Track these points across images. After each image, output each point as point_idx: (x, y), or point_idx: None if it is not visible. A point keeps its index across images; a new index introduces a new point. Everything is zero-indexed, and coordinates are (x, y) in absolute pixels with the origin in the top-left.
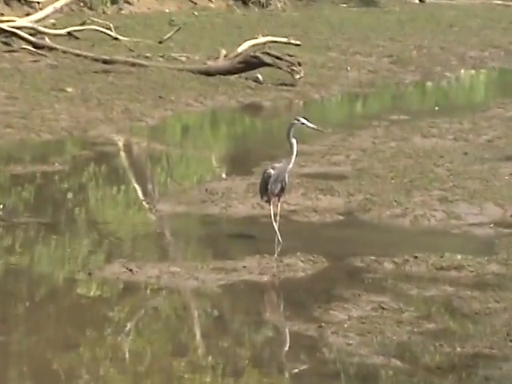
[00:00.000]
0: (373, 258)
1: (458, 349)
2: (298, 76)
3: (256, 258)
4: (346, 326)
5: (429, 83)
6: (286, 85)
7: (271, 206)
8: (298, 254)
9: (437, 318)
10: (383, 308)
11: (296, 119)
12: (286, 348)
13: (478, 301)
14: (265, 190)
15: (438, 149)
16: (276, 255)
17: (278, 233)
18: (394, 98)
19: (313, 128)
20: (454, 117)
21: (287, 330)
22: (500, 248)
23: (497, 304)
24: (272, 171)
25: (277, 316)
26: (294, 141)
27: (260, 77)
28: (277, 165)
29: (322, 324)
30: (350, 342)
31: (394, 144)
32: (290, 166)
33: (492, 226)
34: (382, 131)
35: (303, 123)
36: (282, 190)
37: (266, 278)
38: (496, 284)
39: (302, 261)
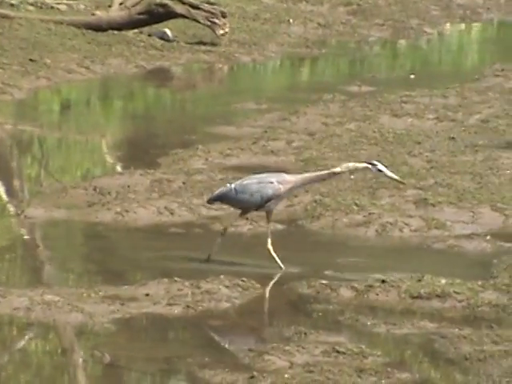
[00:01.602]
0: (324, 282)
1: None
2: (221, 31)
3: (163, 283)
4: (287, 376)
5: (401, 42)
6: (204, 43)
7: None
8: (222, 276)
9: (412, 365)
10: (338, 351)
11: (370, 163)
12: None
13: (468, 342)
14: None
15: (415, 132)
16: (192, 279)
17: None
18: (354, 63)
19: (392, 178)
20: (436, 88)
21: (206, 383)
22: (499, 269)
23: (495, 346)
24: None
25: (192, 363)
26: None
27: (169, 33)
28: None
29: (255, 373)
30: None
31: (354, 125)
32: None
33: (488, 238)
34: (337, 108)
35: (380, 170)
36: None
37: (176, 311)
38: (494, 319)
39: (226, 286)
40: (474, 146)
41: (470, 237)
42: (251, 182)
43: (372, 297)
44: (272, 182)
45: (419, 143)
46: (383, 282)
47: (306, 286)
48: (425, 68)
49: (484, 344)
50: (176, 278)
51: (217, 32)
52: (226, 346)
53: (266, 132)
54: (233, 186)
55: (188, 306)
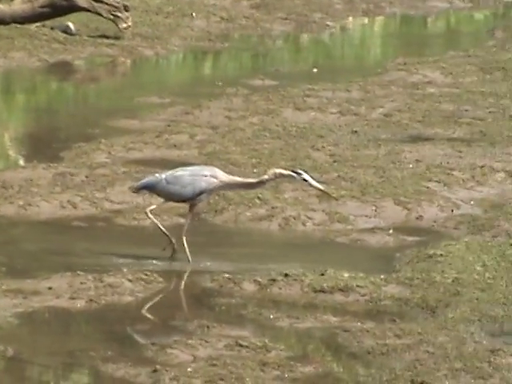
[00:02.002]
0: (227, 276)
1: None
2: (124, 25)
3: (66, 277)
4: (190, 369)
5: (304, 35)
6: (107, 37)
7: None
8: (125, 270)
9: (315, 359)
10: (241, 345)
11: (295, 172)
12: None
13: (371, 335)
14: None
15: (317, 126)
16: (95, 273)
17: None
18: (257, 57)
19: (318, 188)
20: (339, 82)
21: (109, 377)
22: (402, 263)
23: (397, 340)
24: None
25: (94, 356)
26: (268, 178)
27: (72, 26)
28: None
29: (157, 367)
30: None
31: (257, 119)
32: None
33: (391, 232)
34: (240, 102)
35: (305, 179)
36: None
37: (79, 304)
38: (396, 312)
39: (129, 280)
40: (377, 139)
41: (372, 231)
42: (183, 173)
43: (275, 291)
44: (206, 176)
45: (322, 137)
46: (286, 275)
47: (209, 279)
48: (328, 62)
49: (387, 338)
50: (79, 272)
51: (120, 26)
52: (129, 339)
53: (169, 126)
54: (163, 176)
55: (91, 300)
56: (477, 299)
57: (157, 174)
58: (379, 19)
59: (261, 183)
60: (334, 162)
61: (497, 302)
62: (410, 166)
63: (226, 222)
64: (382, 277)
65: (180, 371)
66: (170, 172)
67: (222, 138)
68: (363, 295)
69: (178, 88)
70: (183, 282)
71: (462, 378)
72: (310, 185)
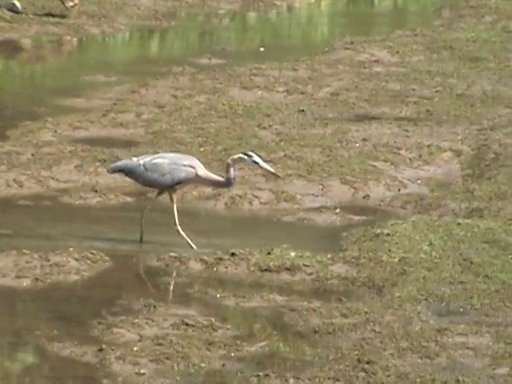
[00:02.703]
0: (173, 255)
1: (291, 381)
2: (70, 3)
3: (12, 256)
4: (136, 348)
5: (251, 14)
6: (53, 16)
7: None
8: (71, 249)
9: (261, 338)
10: (187, 324)
11: (246, 154)
12: (53, 380)
13: (317, 315)
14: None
15: (264, 105)
16: (41, 251)
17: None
18: (204, 35)
19: (267, 170)
20: (286, 61)
21: (55, 355)
22: (348, 242)
23: (344, 319)
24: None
25: (40, 335)
26: (232, 174)
27: (18, 4)
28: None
29: (103, 346)
30: (142, 370)
31: (203, 98)
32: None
33: (338, 211)
34: (187, 80)
35: (256, 162)
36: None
37: (25, 283)
38: (343, 292)
39: (75, 259)
40: (324, 118)
41: (319, 210)
42: (163, 161)
43: (221, 270)
44: (185, 165)
45: (269, 116)
46: (232, 254)
47: (155, 258)
48: (275, 41)
49: (333, 317)
50: (24, 251)
51: (66, 4)
52: (75, 318)
53: (115, 104)
54: (141, 162)
55: (37, 279)
56: (423, 278)
57: (134, 158)
58: None
59: (228, 181)
60: (281, 140)
61: (443, 281)
62: (357, 145)
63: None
64: (329, 256)
65: (126, 350)
66: (148, 158)
67: (169, 117)
68: (310, 274)
69: (125, 67)
70: (129, 261)
71: (408, 357)
72: (260, 167)
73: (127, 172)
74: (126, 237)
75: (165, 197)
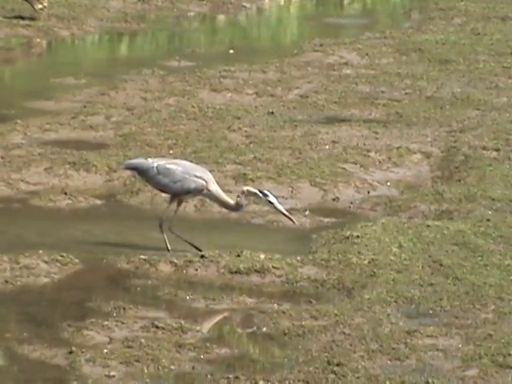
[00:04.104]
0: (143, 257)
1: (261, 383)
2: (39, 6)
3: None
4: (105, 351)
5: (221, 17)
6: (23, 18)
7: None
8: (41, 252)
9: (231, 340)
10: (157, 327)
11: (262, 192)
12: (23, 383)
13: (287, 317)
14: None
15: (234, 107)
16: (11, 254)
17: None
18: (173, 38)
19: (282, 213)
20: (256, 63)
21: (24, 358)
22: (318, 244)
23: (314, 321)
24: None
25: (10, 338)
26: (244, 202)
27: None
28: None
29: (73, 348)
30: (112, 373)
31: (173, 100)
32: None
33: (307, 213)
34: (156, 83)
35: (271, 202)
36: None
37: None
38: (313, 294)
39: (45, 261)
40: (293, 121)
41: (288, 212)
42: (176, 168)
43: (191, 272)
44: (197, 176)
45: (238, 118)
46: (202, 257)
47: (125, 261)
48: (244, 43)
49: (303, 319)
50: None
51: (35, 6)
52: (45, 321)
53: (85, 107)
54: (155, 164)
55: (6, 281)
56: (393, 280)
57: (149, 159)
58: (295, 0)
59: (238, 206)
60: (250, 143)
61: (413, 283)
62: (327, 147)
63: (142, 204)
64: (299, 258)
65: (96, 352)
66: (163, 161)
67: (138, 119)
68: (279, 276)
69: (94, 69)
70: (99, 264)
71: (378, 359)
72: (275, 208)
73: (140, 171)
74: (95, 239)
75: (130, 200)
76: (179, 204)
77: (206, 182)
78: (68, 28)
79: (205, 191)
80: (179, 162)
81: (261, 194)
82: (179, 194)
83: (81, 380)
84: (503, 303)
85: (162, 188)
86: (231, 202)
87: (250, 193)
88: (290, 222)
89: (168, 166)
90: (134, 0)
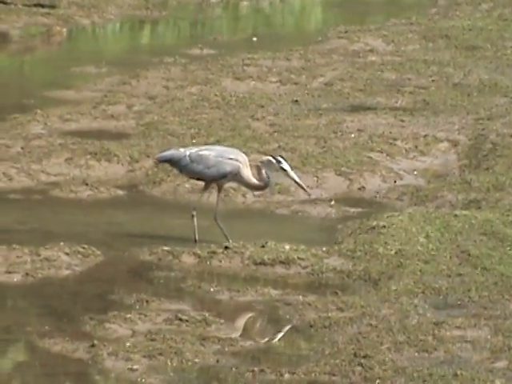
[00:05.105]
0: (166, 248)
1: (286, 376)
2: None
3: (2, 251)
4: (128, 344)
5: (244, 3)
6: (42, 6)
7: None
8: (62, 243)
9: (256, 332)
10: (181, 319)
11: (275, 158)
12: (45, 377)
13: (313, 309)
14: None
15: (257, 95)
16: (32, 246)
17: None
18: (195, 25)
19: (295, 181)
20: (279, 51)
21: (46, 352)
22: (344, 234)
23: (340, 313)
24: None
25: (31, 331)
26: (265, 175)
27: None
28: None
29: (95, 342)
30: (135, 366)
31: (196, 89)
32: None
33: (333, 203)
34: (178, 71)
35: (284, 169)
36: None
37: (16, 279)
38: (338, 285)
39: (66, 253)
40: (318, 109)
41: (314, 202)
42: (209, 153)
43: (215, 263)
44: (231, 159)
45: (262, 107)
46: (226, 248)
47: (147, 252)
48: (267, 30)
49: (329, 311)
50: (15, 246)
51: None
52: (66, 314)
53: (106, 96)
54: (187, 152)
55: (27, 274)
56: (420, 271)
57: (181, 149)
58: None
59: (265, 183)
60: (275, 132)
61: (440, 273)
62: (352, 135)
63: (165, 194)
64: (324, 249)
65: (118, 346)
66: (195, 149)
67: (160, 109)
68: (305, 268)
69: (115, 58)
70: (121, 255)
71: (405, 351)
72: (288, 175)
73: (173, 162)
74: (117, 231)
75: (152, 190)
76: (219, 191)
77: (240, 163)
78: (88, 16)
79: (238, 176)
80: (211, 147)
81: (274, 160)
82: (216, 179)
83: (103, 374)
84: None
85: (198, 175)
86: (257, 182)
87: (263, 163)
88: (305, 195)
89: (200, 152)
90: None
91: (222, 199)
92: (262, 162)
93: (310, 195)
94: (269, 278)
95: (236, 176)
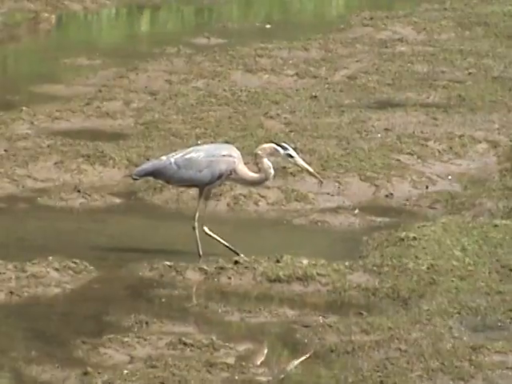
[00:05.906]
0: (168, 263)
1: None
2: None
3: None
4: (126, 372)
5: None
6: None
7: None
8: (51, 258)
9: (270, 358)
10: (185, 343)
11: (279, 145)
12: None
13: (334, 331)
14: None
15: (271, 90)
16: (17, 261)
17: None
18: (201, 11)
19: (305, 169)
20: (296, 40)
21: (33, 380)
22: (369, 247)
23: (365, 336)
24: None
25: (17, 358)
26: (266, 165)
27: None
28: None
29: (88, 369)
30: None
31: (202, 83)
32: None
33: (357, 212)
34: (182, 63)
35: (291, 155)
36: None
37: None
38: (363, 304)
39: (56, 269)
40: (340, 106)
41: (335, 211)
42: (197, 155)
43: (223, 280)
44: (225, 155)
45: (277, 103)
46: (236, 263)
47: (147, 268)
48: (283, 17)
49: (352, 334)
50: None
51: None
52: (56, 337)
53: (100, 91)
54: (172, 159)
55: (11, 293)
56: (456, 289)
57: (163, 157)
58: None
59: (265, 175)
60: (291, 131)
61: (478, 291)
62: (379, 135)
63: (167, 202)
64: (347, 264)
65: (115, 374)
66: (180, 154)
67: (162, 105)
68: (325, 285)
69: (111, 48)
70: (118, 271)
71: (439, 379)
72: (296, 163)
73: (157, 174)
74: (113, 244)
75: (153, 198)
76: (206, 198)
77: (235, 158)
78: (80, 1)
79: (234, 174)
80: (198, 147)
81: (279, 148)
82: (211, 182)
83: None
84: None
85: (189, 182)
86: (256, 175)
87: (265, 152)
88: (318, 183)
89: (187, 156)
90: None
91: (205, 204)
92: (262, 149)
93: (322, 182)
94: (284, 297)
95: (231, 174)
